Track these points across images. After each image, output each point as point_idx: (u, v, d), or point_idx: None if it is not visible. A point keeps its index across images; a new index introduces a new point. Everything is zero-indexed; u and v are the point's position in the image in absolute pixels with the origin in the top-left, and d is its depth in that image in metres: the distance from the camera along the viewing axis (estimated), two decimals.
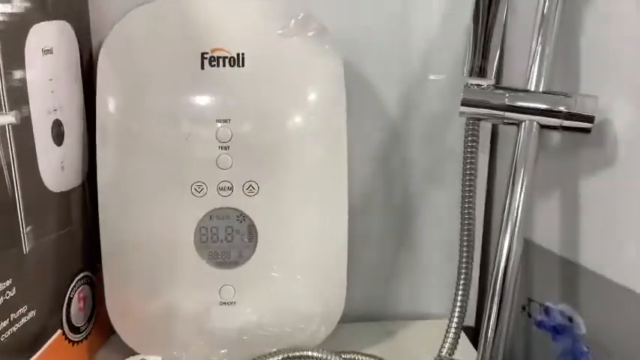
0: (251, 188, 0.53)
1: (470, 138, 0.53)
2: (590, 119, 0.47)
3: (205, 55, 0.52)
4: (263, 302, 0.55)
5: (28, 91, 0.45)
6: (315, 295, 0.56)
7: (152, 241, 0.53)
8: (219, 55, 0.52)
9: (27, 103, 0.45)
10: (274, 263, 0.54)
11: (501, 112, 0.50)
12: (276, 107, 0.53)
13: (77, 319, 0.54)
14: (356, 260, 0.62)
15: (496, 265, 0.48)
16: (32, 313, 0.46)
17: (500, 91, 0.50)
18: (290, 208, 0.54)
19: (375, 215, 0.64)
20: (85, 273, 0.55)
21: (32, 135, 0.46)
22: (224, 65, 0.52)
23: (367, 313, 0.66)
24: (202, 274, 0.54)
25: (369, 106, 0.61)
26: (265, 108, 0.53)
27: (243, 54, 0.52)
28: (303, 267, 0.55)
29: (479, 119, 0.52)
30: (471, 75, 0.52)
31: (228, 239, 0.54)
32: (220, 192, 0.53)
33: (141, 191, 0.52)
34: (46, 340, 0.49)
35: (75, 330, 0.54)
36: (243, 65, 0.52)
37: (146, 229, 0.53)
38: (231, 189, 0.53)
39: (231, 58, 0.52)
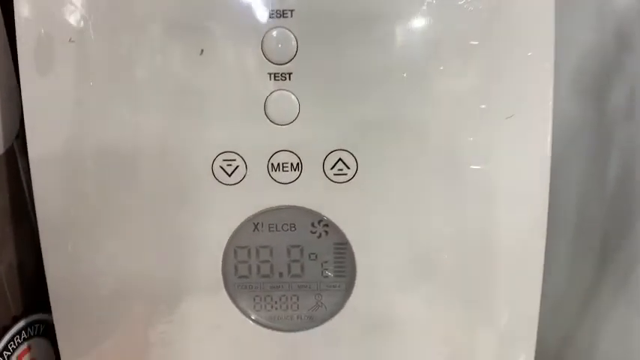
0: (341, 165, 0.24)
1: None
2: None
3: None
4: None
5: None
6: None
7: (136, 278, 0.26)
8: None
9: None
10: (392, 322, 0.26)
11: None
12: None
13: None
14: None
15: None
16: None
17: None
18: (426, 207, 0.25)
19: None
20: (32, 318, 0.29)
21: None
22: None
23: None
24: (244, 339, 0.26)
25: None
26: None
27: None
28: (450, 326, 0.26)
29: None
30: None
31: (294, 272, 0.26)
32: (274, 173, 0.24)
33: (111, 181, 0.25)
34: None
35: None
36: None
37: (123, 257, 0.26)
38: (297, 167, 0.24)
39: None
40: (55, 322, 0.27)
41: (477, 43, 0.23)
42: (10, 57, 0.27)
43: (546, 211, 0.25)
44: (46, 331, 0.30)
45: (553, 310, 0.37)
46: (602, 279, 0.37)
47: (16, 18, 0.24)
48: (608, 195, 0.34)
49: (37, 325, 0.30)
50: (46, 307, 0.29)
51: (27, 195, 0.28)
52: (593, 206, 0.34)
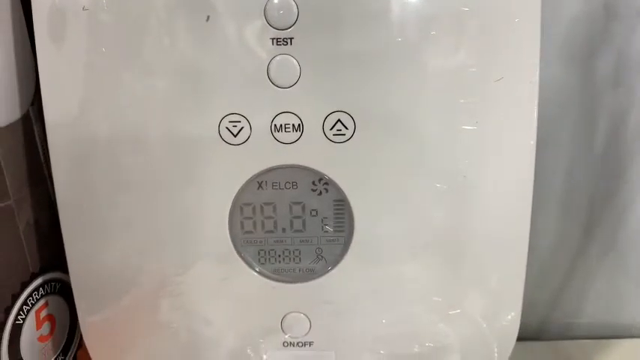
0: (340, 126, 0.26)
1: None
2: None
3: None
4: (366, 341, 0.29)
5: None
6: (465, 329, 0.29)
7: (149, 235, 0.27)
8: None
9: None
10: (385, 274, 0.28)
11: None
12: None
13: (39, 353, 0.31)
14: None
15: None
16: None
17: None
18: (419, 165, 0.27)
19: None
20: (49, 276, 0.31)
21: None
22: None
23: (541, 327, 0.39)
24: (250, 290, 0.28)
25: None
26: None
27: None
28: (442, 280, 0.28)
29: None
30: None
31: (296, 228, 0.27)
32: (277, 134, 0.26)
33: (123, 143, 0.26)
34: None
35: None
36: None
37: (136, 215, 0.27)
38: (299, 128, 0.26)
39: None
40: (71, 281, 0.29)
41: (467, 9, 0.25)
42: (25, 25, 0.28)
43: (533, 173, 0.27)
44: (62, 290, 0.32)
45: (540, 271, 0.39)
46: (589, 241, 0.38)
47: None
48: (595, 159, 0.36)
49: (53, 284, 0.32)
50: (61, 267, 0.31)
51: (42, 158, 0.30)
52: (581, 169, 0.36)
